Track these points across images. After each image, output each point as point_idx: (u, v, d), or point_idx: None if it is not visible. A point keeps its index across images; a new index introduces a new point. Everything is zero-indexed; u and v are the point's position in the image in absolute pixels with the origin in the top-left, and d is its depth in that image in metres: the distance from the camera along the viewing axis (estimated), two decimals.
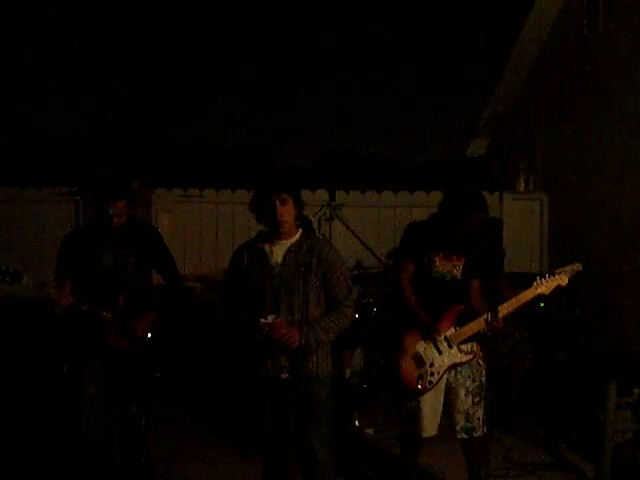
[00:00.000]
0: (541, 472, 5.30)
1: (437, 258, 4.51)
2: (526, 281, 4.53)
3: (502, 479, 5.12)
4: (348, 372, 6.36)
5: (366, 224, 8.91)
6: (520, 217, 9.57)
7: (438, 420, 4.52)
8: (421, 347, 4.45)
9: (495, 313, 4.31)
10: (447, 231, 4.52)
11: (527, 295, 4.44)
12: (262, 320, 3.83)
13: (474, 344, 4.49)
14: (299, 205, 4.06)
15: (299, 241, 4.05)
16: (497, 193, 9.48)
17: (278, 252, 4.02)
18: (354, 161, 21.22)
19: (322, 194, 8.67)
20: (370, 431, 6.13)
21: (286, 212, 3.97)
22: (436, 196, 9.36)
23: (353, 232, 7.01)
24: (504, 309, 4.38)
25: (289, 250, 4.02)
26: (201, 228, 9.14)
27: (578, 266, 4.50)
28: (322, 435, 3.99)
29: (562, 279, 4.46)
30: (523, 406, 6.34)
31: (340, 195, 9.03)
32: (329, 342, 4.03)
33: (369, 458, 5.59)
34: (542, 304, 5.69)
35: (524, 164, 11.99)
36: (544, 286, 4.44)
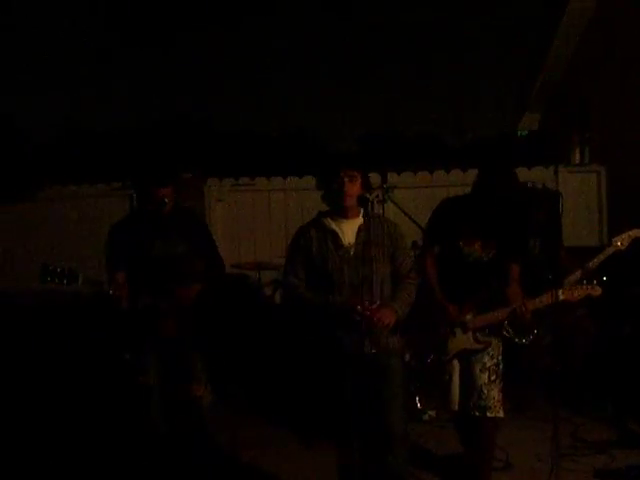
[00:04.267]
0: (610, 450, 5.14)
1: (464, 239, 4.41)
2: (585, 254, 4.44)
3: (570, 457, 5.00)
4: (407, 355, 6.31)
5: (419, 205, 8.78)
6: (577, 190, 9.37)
7: (457, 397, 4.46)
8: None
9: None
10: (475, 211, 4.43)
11: (548, 299, 4.33)
12: (359, 306, 3.79)
13: (493, 338, 4.40)
14: (366, 184, 4.03)
15: (365, 220, 4.00)
16: (552, 167, 9.29)
17: (348, 232, 3.98)
18: (403, 143, 21.08)
19: (373, 177, 8.58)
20: (432, 413, 6.06)
21: (354, 190, 3.95)
22: None
23: (406, 213, 6.92)
24: (534, 304, 4.28)
25: (360, 229, 3.99)
26: (254, 216, 9.17)
27: (636, 232, 4.41)
28: (399, 409, 3.98)
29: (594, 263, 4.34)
30: (590, 383, 6.21)
31: (392, 177, 8.95)
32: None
33: (432, 439, 5.52)
34: (605, 277, 5.54)
35: (578, 136, 11.76)
36: (567, 293, 4.34)
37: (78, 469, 5.16)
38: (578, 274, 4.54)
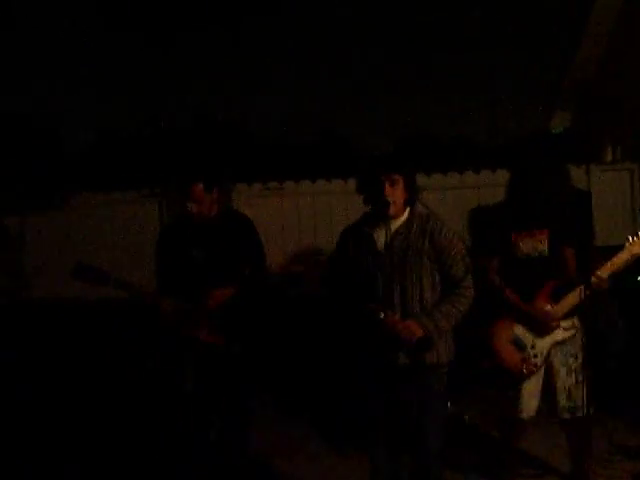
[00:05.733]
0: None
1: (519, 238, 4.36)
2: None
3: (606, 464, 4.92)
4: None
5: (449, 206, 8.74)
6: (609, 189, 9.22)
7: (537, 402, 4.40)
8: (519, 330, 4.33)
9: (589, 279, 4.13)
10: (524, 206, 4.37)
11: (622, 257, 4.25)
12: (378, 317, 3.67)
13: (574, 319, 4.34)
14: (411, 188, 3.87)
15: (407, 223, 3.86)
16: (584, 166, 9.16)
17: (386, 236, 3.78)
18: (435, 145, 20.92)
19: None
20: (465, 417, 6.01)
21: (395, 194, 3.79)
22: None
23: (436, 215, 6.87)
24: (602, 271, 4.19)
25: (397, 233, 3.82)
26: (283, 220, 9.14)
27: None
28: (436, 426, 3.86)
29: None
30: (625, 385, 6.11)
31: (421, 178, 8.87)
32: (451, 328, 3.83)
33: (467, 444, 5.47)
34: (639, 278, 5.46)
35: (611, 134, 11.60)
36: (637, 245, 4.24)
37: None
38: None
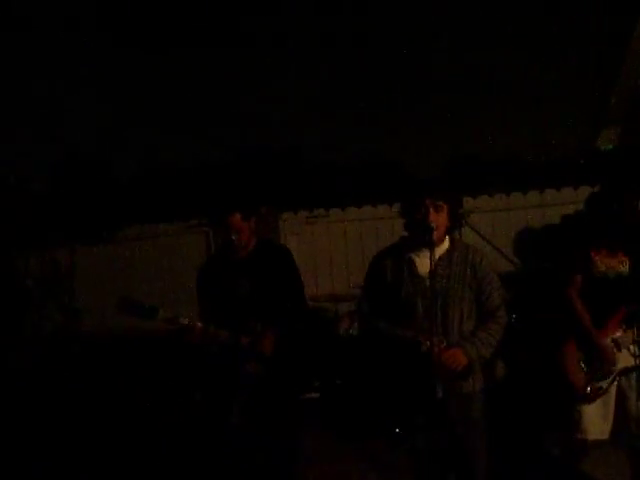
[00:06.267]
0: None
1: (598, 257, 4.27)
2: None
3: None
4: None
5: (497, 228, 8.63)
6: None
7: (608, 425, 4.27)
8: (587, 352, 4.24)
9: None
10: (608, 225, 4.28)
11: None
12: (426, 344, 3.60)
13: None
14: (454, 215, 3.82)
15: (449, 250, 3.81)
16: None
17: (427, 262, 3.67)
18: (484, 166, 20.78)
19: None
20: None
21: (439, 220, 3.73)
22: (567, 193, 9.04)
23: (484, 238, 6.79)
24: None
25: (440, 259, 3.76)
26: (329, 248, 9.13)
27: None
28: (477, 454, 3.81)
29: None
30: None
31: (468, 201, 8.79)
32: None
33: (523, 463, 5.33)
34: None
35: None
36: None
37: None
38: None
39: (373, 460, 5.78)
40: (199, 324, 4.20)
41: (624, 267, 4.24)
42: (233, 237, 4.33)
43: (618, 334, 4.21)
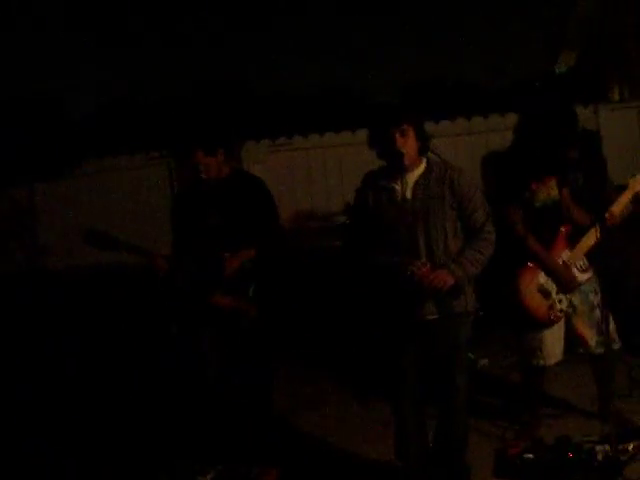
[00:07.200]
0: None
1: (536, 187, 4.34)
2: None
3: (625, 399, 4.96)
4: None
5: (459, 152, 8.68)
6: (618, 128, 9.13)
7: (562, 346, 4.41)
8: (542, 278, 4.33)
9: (603, 219, 4.10)
10: (536, 152, 4.33)
11: (626, 195, 4.23)
12: (409, 268, 3.61)
13: (584, 259, 4.34)
14: (421, 135, 3.77)
15: (425, 172, 3.78)
16: (591, 106, 9.07)
17: (405, 187, 3.70)
18: (440, 91, 20.71)
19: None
20: (484, 361, 6.06)
21: (407, 144, 3.70)
22: None
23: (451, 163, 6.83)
24: (614, 209, 4.18)
25: (417, 183, 3.75)
26: (293, 176, 9.11)
27: None
28: (461, 362, 3.87)
29: None
30: None
31: (429, 126, 8.81)
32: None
33: (487, 388, 5.50)
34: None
35: (617, 73, 11.47)
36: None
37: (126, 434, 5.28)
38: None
39: (349, 384, 5.91)
40: (161, 253, 4.21)
41: (555, 192, 4.32)
42: (201, 171, 4.31)
43: (566, 254, 4.31)
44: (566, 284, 4.32)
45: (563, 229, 4.29)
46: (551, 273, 4.34)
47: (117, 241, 4.15)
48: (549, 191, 4.34)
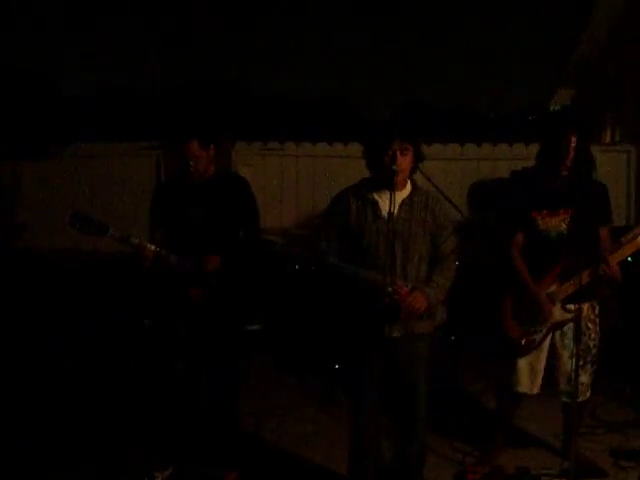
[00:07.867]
0: (628, 430, 5.14)
1: (540, 216, 4.34)
2: (614, 235, 4.35)
3: (589, 437, 5.00)
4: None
5: (449, 177, 8.73)
6: (607, 170, 9.21)
7: (538, 380, 4.43)
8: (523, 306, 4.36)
9: (596, 265, 4.13)
10: (551, 184, 4.33)
11: (632, 247, 4.25)
12: (391, 287, 3.65)
13: (586, 305, 4.34)
14: (418, 156, 3.82)
15: (411, 195, 3.83)
16: None
17: (393, 204, 3.69)
18: (437, 114, 20.84)
19: None
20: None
21: (405, 163, 3.72)
22: (519, 149, 9.19)
23: (436, 186, 6.85)
24: (616, 257, 4.19)
25: (403, 202, 3.79)
26: (282, 181, 9.11)
27: None
28: (424, 392, 3.92)
29: None
30: (609, 364, 6.17)
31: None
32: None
33: (453, 412, 5.50)
34: (630, 258, 5.49)
35: (611, 115, 11.59)
36: None
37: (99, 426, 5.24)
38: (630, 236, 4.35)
39: (311, 393, 5.91)
40: (151, 246, 4.18)
41: (565, 225, 4.33)
42: (190, 164, 4.28)
43: (552, 288, 4.33)
44: (539, 313, 4.34)
45: (561, 264, 4.28)
46: (529, 301, 4.35)
47: (105, 228, 4.10)
48: (558, 224, 4.34)
